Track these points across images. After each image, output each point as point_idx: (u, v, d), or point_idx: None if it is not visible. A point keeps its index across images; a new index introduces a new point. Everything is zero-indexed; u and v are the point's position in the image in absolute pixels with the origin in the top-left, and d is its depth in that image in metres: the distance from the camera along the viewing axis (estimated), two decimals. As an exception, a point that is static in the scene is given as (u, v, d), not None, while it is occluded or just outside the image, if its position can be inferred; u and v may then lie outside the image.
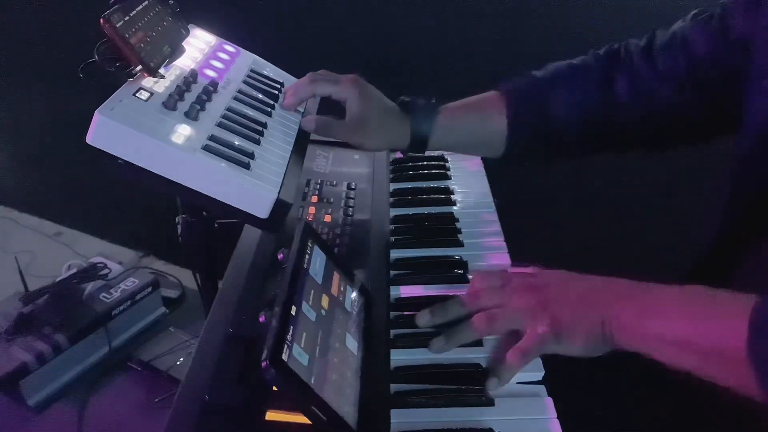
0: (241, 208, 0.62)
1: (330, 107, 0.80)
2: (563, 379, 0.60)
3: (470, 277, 0.73)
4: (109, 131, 0.58)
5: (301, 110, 0.81)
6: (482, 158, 0.97)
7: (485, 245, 0.79)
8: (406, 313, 0.69)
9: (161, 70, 0.68)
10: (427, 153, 0.98)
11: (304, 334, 0.53)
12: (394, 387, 0.60)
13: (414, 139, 0.78)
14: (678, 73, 0.75)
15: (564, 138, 0.81)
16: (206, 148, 0.62)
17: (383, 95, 0.79)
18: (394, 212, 0.86)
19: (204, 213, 0.83)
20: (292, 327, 0.51)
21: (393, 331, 0.66)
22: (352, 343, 0.60)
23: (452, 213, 0.85)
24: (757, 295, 0.49)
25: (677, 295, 0.56)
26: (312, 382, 0.50)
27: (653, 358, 0.55)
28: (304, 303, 0.55)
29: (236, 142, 0.66)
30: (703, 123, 0.77)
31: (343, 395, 0.53)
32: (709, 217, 0.74)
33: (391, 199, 0.88)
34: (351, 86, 0.76)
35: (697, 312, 0.53)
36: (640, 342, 0.56)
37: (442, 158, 0.97)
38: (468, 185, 0.92)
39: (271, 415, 0.54)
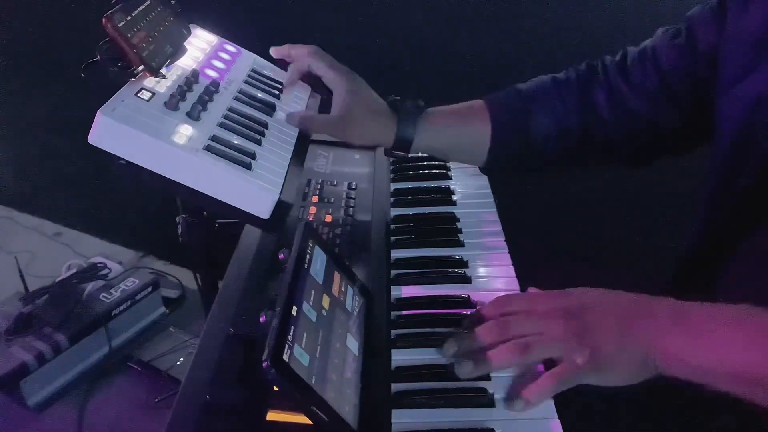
0: (242, 209, 0.62)
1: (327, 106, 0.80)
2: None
3: (473, 298, 0.70)
4: (111, 131, 0.58)
5: (304, 103, 0.82)
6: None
7: (485, 245, 0.79)
8: (406, 312, 0.69)
9: (163, 70, 0.69)
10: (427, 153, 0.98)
11: (305, 334, 0.53)
12: (394, 387, 0.60)
13: (398, 140, 0.78)
14: (650, 87, 0.76)
15: (544, 151, 0.82)
16: (208, 148, 0.62)
17: (373, 92, 0.79)
18: (394, 212, 0.86)
19: (204, 213, 0.83)
20: (292, 327, 0.51)
21: (393, 331, 0.66)
22: (353, 343, 0.60)
23: (452, 213, 0.85)
24: None
25: (729, 318, 0.53)
26: (313, 382, 0.50)
27: (708, 387, 0.52)
28: (304, 303, 0.55)
29: (238, 142, 0.66)
30: (679, 134, 0.79)
31: (343, 395, 0.53)
32: (691, 222, 0.75)
33: (392, 199, 0.88)
34: (343, 78, 0.76)
35: (756, 338, 0.51)
36: (692, 373, 0.53)
37: (442, 158, 0.97)
38: (468, 185, 0.92)
39: (272, 415, 0.54)
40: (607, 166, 0.86)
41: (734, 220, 0.68)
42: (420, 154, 0.98)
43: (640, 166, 0.84)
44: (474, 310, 0.69)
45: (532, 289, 0.65)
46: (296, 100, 0.83)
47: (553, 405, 0.58)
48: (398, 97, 0.80)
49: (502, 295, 0.64)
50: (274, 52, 0.82)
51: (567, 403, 0.58)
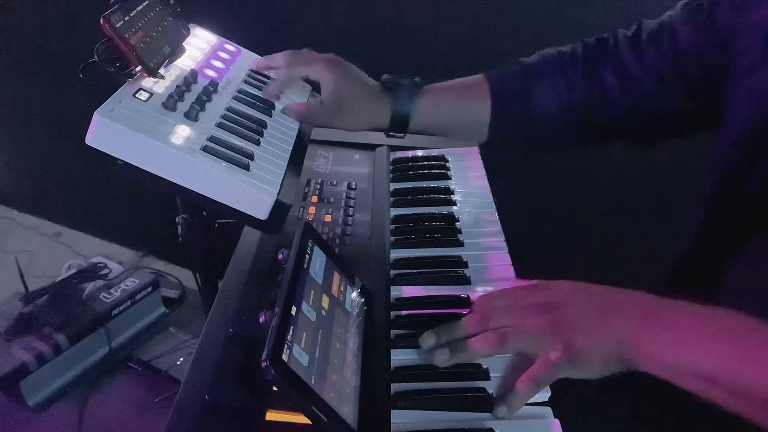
0: (240, 210, 0.62)
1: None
2: (564, 380, 0.59)
3: (473, 298, 0.69)
4: (108, 132, 0.58)
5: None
6: (482, 158, 0.97)
7: (485, 245, 0.79)
8: (406, 312, 0.69)
9: (161, 71, 0.68)
10: (427, 153, 0.99)
11: (305, 335, 0.53)
12: (394, 387, 0.60)
13: (394, 119, 0.76)
14: (662, 67, 0.74)
15: (547, 127, 0.80)
16: (205, 149, 0.62)
17: (363, 73, 0.78)
18: (394, 212, 0.86)
19: (204, 213, 0.83)
20: (292, 327, 0.51)
21: (393, 331, 0.66)
22: (353, 344, 0.60)
23: (452, 213, 0.85)
24: None
25: (712, 321, 0.52)
26: (312, 382, 0.50)
27: (680, 386, 0.52)
28: (304, 303, 0.55)
29: (236, 143, 0.66)
30: (687, 116, 0.77)
31: (343, 395, 0.53)
32: (689, 222, 0.74)
33: (392, 199, 0.88)
34: (325, 66, 0.75)
35: (739, 346, 0.50)
36: (667, 372, 0.52)
37: (442, 158, 0.97)
38: (468, 185, 0.92)
39: (272, 416, 0.54)
40: (610, 144, 0.84)
41: (738, 218, 0.66)
42: (420, 154, 0.98)
43: (643, 145, 0.82)
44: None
45: (517, 281, 0.66)
46: (296, 100, 0.83)
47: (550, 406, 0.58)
48: (390, 77, 0.78)
49: (486, 293, 0.65)
50: (253, 65, 0.82)
51: (562, 396, 0.58)
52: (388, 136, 0.80)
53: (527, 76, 0.79)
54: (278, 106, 0.79)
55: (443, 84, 0.80)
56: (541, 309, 0.58)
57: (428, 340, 0.61)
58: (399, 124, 0.77)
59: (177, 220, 0.84)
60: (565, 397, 0.58)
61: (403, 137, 0.80)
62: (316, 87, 0.83)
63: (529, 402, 0.57)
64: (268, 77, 0.84)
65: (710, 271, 0.68)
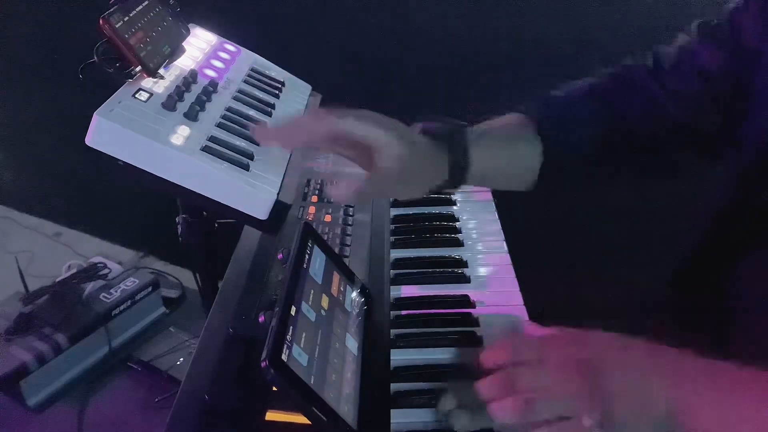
0: (240, 210, 0.62)
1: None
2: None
3: (473, 297, 0.69)
4: (107, 133, 0.58)
5: (303, 102, 0.81)
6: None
7: (485, 245, 0.79)
8: (405, 312, 0.69)
9: (161, 71, 0.68)
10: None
11: (304, 334, 0.53)
12: (393, 387, 0.60)
13: (452, 175, 0.66)
14: (691, 92, 0.71)
15: (580, 159, 0.75)
16: (205, 149, 0.62)
17: (401, 126, 0.64)
18: (394, 212, 0.86)
19: (204, 213, 0.83)
20: (291, 327, 0.51)
21: (393, 331, 0.66)
22: (352, 343, 0.60)
23: (452, 213, 0.85)
24: None
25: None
26: (311, 382, 0.50)
27: None
28: (303, 303, 0.55)
29: (235, 143, 0.66)
30: (717, 139, 0.72)
31: (342, 395, 0.53)
32: (696, 220, 0.74)
33: (391, 199, 0.88)
34: (382, 129, 0.62)
35: None
36: None
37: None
38: (468, 185, 0.92)
39: (271, 415, 0.54)
40: (641, 175, 0.80)
41: (751, 226, 0.64)
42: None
43: (668, 175, 0.79)
44: (473, 309, 0.69)
45: (530, 327, 0.60)
46: (297, 100, 0.83)
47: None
48: (433, 125, 0.67)
49: (510, 339, 0.58)
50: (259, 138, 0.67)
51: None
52: (439, 192, 0.70)
53: (562, 109, 0.75)
54: (278, 106, 0.79)
55: (483, 124, 0.73)
56: (576, 370, 0.50)
57: (448, 402, 0.56)
58: (457, 178, 0.67)
59: (177, 220, 0.84)
60: None
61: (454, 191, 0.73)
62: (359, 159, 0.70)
63: None
64: (269, 78, 0.84)
65: (721, 271, 0.67)
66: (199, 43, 0.81)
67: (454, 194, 0.89)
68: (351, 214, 0.82)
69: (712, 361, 0.49)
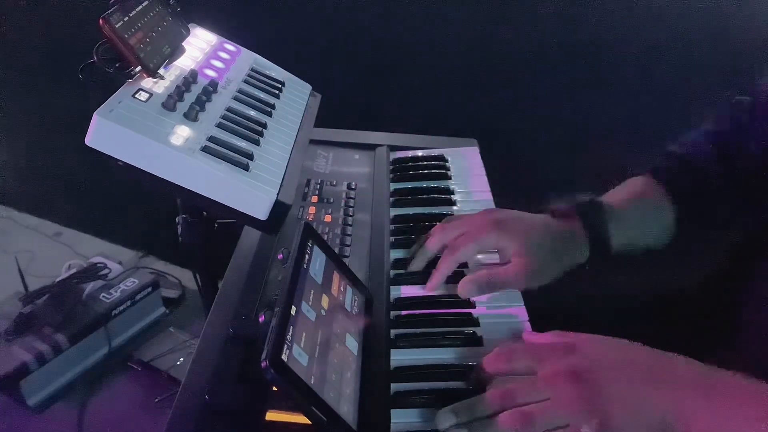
0: (239, 210, 0.62)
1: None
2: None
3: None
4: (107, 133, 0.58)
5: (303, 103, 0.81)
6: (482, 158, 0.97)
7: (485, 245, 0.79)
8: (405, 312, 0.69)
9: (161, 71, 0.68)
10: (427, 153, 0.99)
11: (304, 335, 0.53)
12: (394, 387, 0.60)
13: (594, 249, 0.68)
14: None
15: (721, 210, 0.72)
16: (205, 149, 0.62)
17: (530, 217, 0.70)
18: (394, 212, 0.86)
19: (204, 213, 0.83)
20: (291, 327, 0.51)
21: (393, 331, 0.66)
22: (352, 343, 0.60)
23: (452, 213, 0.85)
24: None
25: (765, 396, 0.47)
26: (312, 382, 0.50)
27: None
28: (303, 303, 0.55)
29: (235, 143, 0.66)
30: None
31: (342, 395, 0.53)
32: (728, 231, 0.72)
33: (391, 199, 0.88)
34: (494, 230, 0.68)
35: None
36: None
37: (442, 158, 0.97)
38: (468, 185, 0.92)
39: (271, 416, 0.54)
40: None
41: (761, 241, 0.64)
42: (420, 154, 0.98)
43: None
44: (473, 310, 0.69)
45: (528, 336, 0.60)
46: (297, 100, 0.83)
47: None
48: (562, 207, 0.70)
49: (505, 348, 0.57)
50: (429, 287, 0.71)
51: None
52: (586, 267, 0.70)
53: (687, 166, 0.73)
54: (279, 107, 0.79)
55: (612, 194, 0.74)
56: (572, 378, 0.51)
57: (447, 419, 0.54)
58: (600, 253, 0.69)
59: (177, 220, 0.84)
60: None
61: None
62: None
63: None
64: (269, 78, 0.84)
65: (735, 281, 0.66)
66: (199, 43, 0.81)
67: (454, 194, 0.89)
68: (351, 214, 0.82)
69: (709, 369, 0.50)
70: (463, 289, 0.68)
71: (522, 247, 0.67)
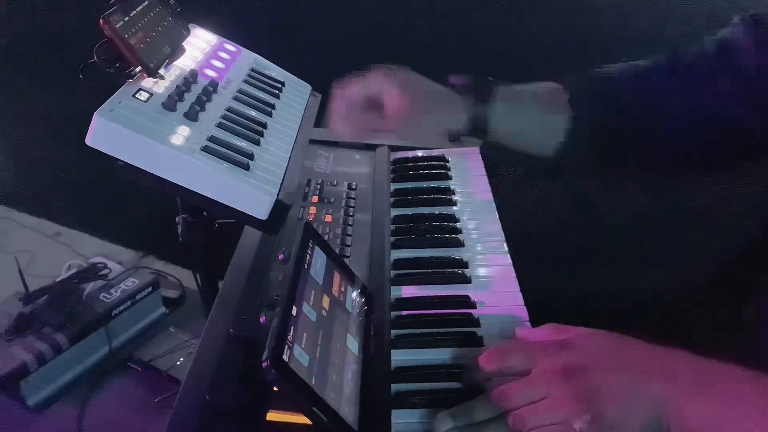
0: (240, 210, 0.62)
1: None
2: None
3: (473, 298, 0.69)
4: (108, 133, 0.58)
5: (303, 103, 0.82)
6: (482, 158, 0.97)
7: (485, 245, 0.79)
8: (406, 312, 0.69)
9: (161, 71, 0.68)
10: (428, 153, 0.99)
11: (305, 335, 0.53)
12: (394, 387, 0.60)
13: (474, 122, 0.71)
14: (726, 85, 0.69)
15: (614, 140, 0.74)
16: (205, 149, 0.62)
17: (425, 78, 0.73)
18: (394, 212, 0.86)
19: (204, 213, 0.83)
20: (292, 327, 0.51)
21: (393, 332, 0.66)
22: (353, 344, 0.60)
23: (452, 213, 0.85)
24: None
25: (758, 388, 0.47)
26: (313, 382, 0.50)
27: None
28: (304, 303, 0.55)
29: (236, 143, 0.66)
30: (750, 134, 0.69)
31: (343, 395, 0.53)
32: (739, 225, 0.72)
33: (392, 199, 0.88)
34: (383, 79, 0.72)
35: None
36: None
37: (442, 158, 0.97)
38: (468, 185, 0.92)
39: (272, 416, 0.54)
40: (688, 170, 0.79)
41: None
42: (420, 154, 0.98)
43: (719, 171, 0.78)
44: (474, 310, 0.69)
45: (522, 332, 0.60)
46: (297, 100, 0.83)
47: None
48: (461, 78, 0.73)
49: (499, 348, 0.57)
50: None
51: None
52: (458, 139, 0.74)
53: (606, 85, 0.75)
54: (279, 107, 0.79)
55: (516, 86, 0.76)
56: (565, 375, 0.51)
57: (444, 423, 0.54)
58: (478, 128, 0.72)
59: (177, 220, 0.84)
60: None
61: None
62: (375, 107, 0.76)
63: None
64: (269, 78, 0.84)
65: (739, 283, 0.66)
66: (199, 43, 0.81)
67: (454, 194, 0.89)
68: (351, 214, 0.82)
69: (703, 360, 0.49)
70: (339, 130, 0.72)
71: (403, 100, 0.70)
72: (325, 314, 0.58)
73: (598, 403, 0.48)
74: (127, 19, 0.65)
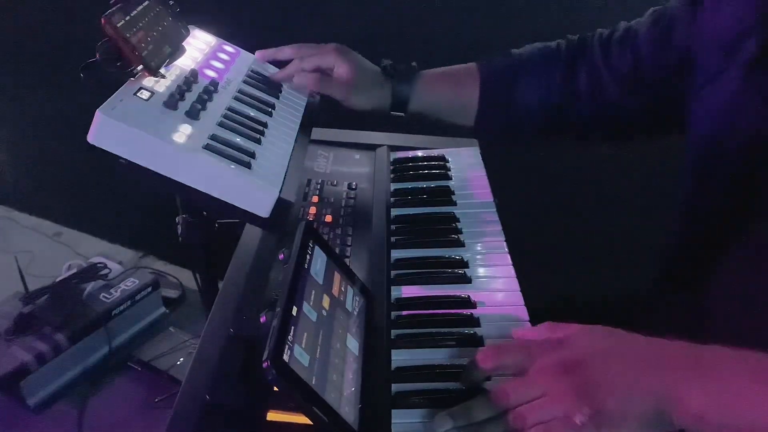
0: (242, 207, 0.62)
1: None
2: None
3: (473, 298, 0.69)
4: (110, 130, 0.58)
5: (303, 103, 0.83)
6: (482, 158, 0.97)
7: (485, 245, 0.79)
8: (406, 313, 0.69)
9: (162, 70, 0.69)
10: (428, 153, 0.99)
11: (305, 335, 0.53)
12: (394, 387, 0.60)
13: (395, 100, 0.83)
14: (624, 70, 0.77)
15: (525, 120, 0.84)
16: (207, 147, 0.62)
17: (367, 60, 0.84)
18: (394, 212, 0.86)
19: (204, 213, 0.83)
20: (293, 327, 0.51)
21: (394, 332, 0.66)
22: (353, 344, 0.60)
23: (452, 213, 0.85)
24: None
25: (757, 371, 0.48)
26: (313, 382, 0.50)
27: None
28: (305, 303, 0.55)
29: (237, 141, 0.66)
30: (648, 121, 0.79)
31: (343, 395, 0.53)
32: (675, 219, 0.74)
33: (392, 199, 0.88)
34: (336, 52, 0.81)
35: None
36: (708, 429, 0.47)
37: (442, 158, 0.97)
38: (468, 185, 0.92)
39: (272, 416, 0.54)
40: (586, 142, 0.89)
41: (713, 221, 0.66)
42: (420, 154, 0.98)
43: (615, 145, 0.87)
44: (474, 310, 0.69)
45: (519, 332, 0.61)
46: (296, 100, 0.83)
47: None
48: (389, 62, 0.84)
49: (497, 345, 0.58)
50: (259, 56, 0.86)
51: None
52: (388, 116, 0.85)
53: (513, 69, 0.83)
54: (279, 106, 0.79)
55: (438, 70, 0.86)
56: (563, 371, 0.51)
57: (444, 423, 0.54)
58: (399, 106, 0.83)
59: (177, 220, 0.84)
60: None
61: (403, 116, 0.85)
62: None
63: None
64: (268, 78, 0.84)
65: (697, 271, 0.67)
66: (199, 44, 0.82)
67: (454, 194, 0.89)
68: (351, 214, 0.82)
69: (697, 347, 0.50)
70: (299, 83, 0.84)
71: (349, 72, 0.81)
72: (325, 314, 0.58)
73: (597, 397, 0.49)
74: (128, 18, 0.65)
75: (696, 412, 0.47)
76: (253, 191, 0.62)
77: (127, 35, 0.64)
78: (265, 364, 0.47)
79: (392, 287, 0.72)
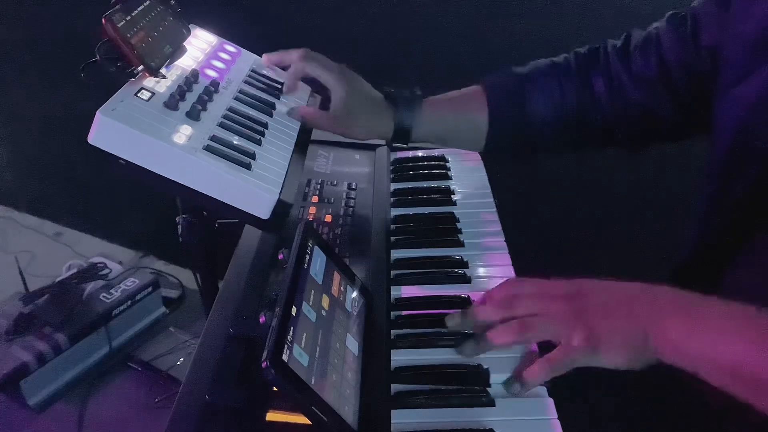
0: (241, 209, 0.62)
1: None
2: (564, 378, 0.59)
3: (473, 298, 0.70)
4: (110, 131, 0.58)
5: (304, 103, 0.83)
6: (483, 158, 0.97)
7: (485, 245, 0.79)
8: (406, 313, 0.69)
9: (162, 70, 0.68)
10: (428, 153, 0.99)
11: (305, 335, 0.53)
12: (394, 387, 0.60)
13: (397, 131, 0.79)
14: (650, 76, 0.76)
15: (541, 135, 0.82)
16: (207, 148, 0.62)
17: (370, 86, 0.81)
18: (394, 212, 0.86)
19: (204, 213, 0.83)
20: (292, 327, 0.51)
21: (393, 332, 0.66)
22: (353, 344, 0.60)
23: (452, 213, 0.85)
24: None
25: (732, 313, 0.53)
26: (312, 382, 0.50)
27: (699, 377, 0.52)
28: (304, 303, 0.55)
29: (237, 142, 0.66)
30: (676, 124, 0.78)
31: (343, 395, 0.53)
32: (690, 224, 0.74)
33: (392, 199, 0.88)
34: (338, 77, 0.77)
35: (755, 336, 0.51)
36: (687, 361, 0.53)
37: (442, 158, 0.97)
38: (468, 185, 0.92)
39: (272, 416, 0.54)
40: (604, 150, 0.86)
41: (734, 224, 0.67)
42: (420, 154, 0.99)
43: (636, 151, 0.84)
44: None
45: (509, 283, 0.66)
46: (296, 100, 0.83)
47: (553, 404, 0.58)
48: (392, 89, 0.81)
49: (512, 279, 0.66)
50: (266, 59, 0.84)
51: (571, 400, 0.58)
52: (390, 146, 0.84)
53: (522, 85, 0.81)
54: (279, 107, 0.79)
55: (442, 96, 0.82)
56: (566, 298, 0.59)
57: (454, 320, 0.64)
58: (402, 135, 0.80)
59: (177, 220, 0.84)
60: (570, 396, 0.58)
61: (406, 146, 0.82)
62: (320, 92, 0.84)
63: None
64: (269, 78, 0.84)
65: (710, 273, 0.68)
66: (200, 44, 0.82)
67: (454, 194, 0.89)
68: (351, 214, 0.82)
69: (683, 291, 0.56)
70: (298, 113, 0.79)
71: (347, 101, 0.76)
72: (324, 314, 0.58)
73: (594, 321, 0.56)
74: (128, 18, 0.65)
75: (673, 340, 0.53)
76: (252, 193, 0.62)
77: (128, 35, 0.64)
78: (264, 364, 0.47)
79: (392, 287, 0.72)
